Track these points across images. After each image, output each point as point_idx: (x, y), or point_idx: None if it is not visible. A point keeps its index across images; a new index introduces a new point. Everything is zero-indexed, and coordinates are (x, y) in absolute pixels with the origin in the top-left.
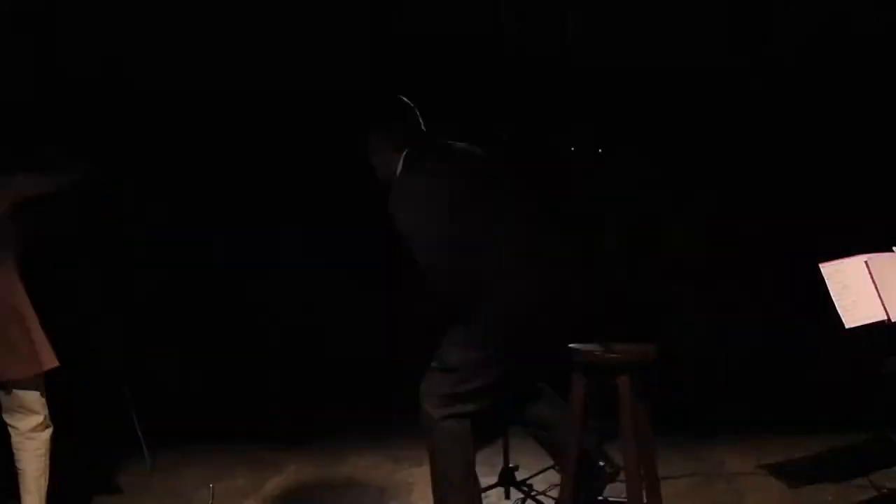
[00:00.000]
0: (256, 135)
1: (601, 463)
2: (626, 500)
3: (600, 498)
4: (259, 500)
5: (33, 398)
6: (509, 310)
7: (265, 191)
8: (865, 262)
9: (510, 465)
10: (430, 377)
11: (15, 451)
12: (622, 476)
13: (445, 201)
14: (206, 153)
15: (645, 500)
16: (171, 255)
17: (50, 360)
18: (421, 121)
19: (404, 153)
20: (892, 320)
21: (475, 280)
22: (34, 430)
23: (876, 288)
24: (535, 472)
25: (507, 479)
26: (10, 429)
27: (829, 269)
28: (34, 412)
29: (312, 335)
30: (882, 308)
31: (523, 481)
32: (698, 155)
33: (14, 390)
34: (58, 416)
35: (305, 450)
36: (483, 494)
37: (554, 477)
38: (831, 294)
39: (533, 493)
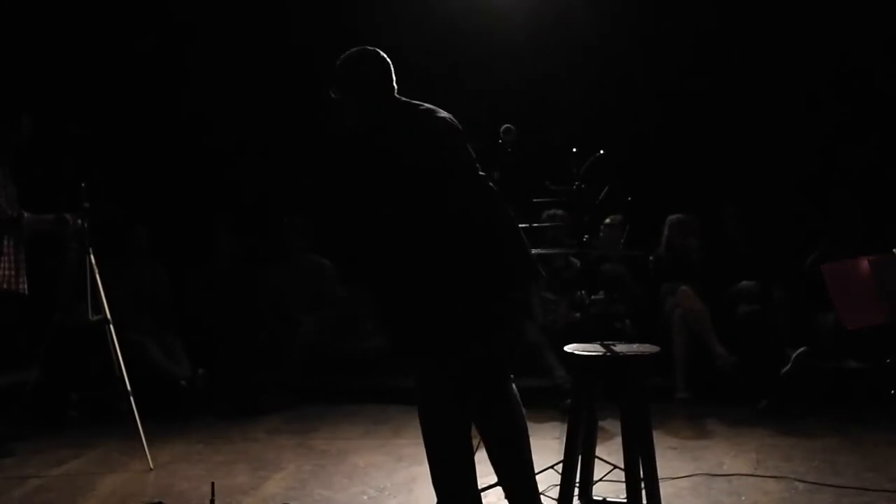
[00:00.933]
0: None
1: None
2: (625, 500)
3: (600, 498)
4: (259, 500)
5: None
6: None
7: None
8: (866, 263)
9: None
10: (422, 369)
11: None
12: (622, 476)
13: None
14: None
15: (644, 501)
16: (169, 250)
17: None
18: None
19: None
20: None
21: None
22: None
23: (876, 290)
24: (535, 471)
25: None
26: None
27: (830, 271)
28: None
29: (311, 333)
30: (882, 310)
31: None
32: None
33: None
34: (58, 414)
35: (305, 449)
36: (483, 494)
37: (554, 477)
38: (832, 296)
39: None
